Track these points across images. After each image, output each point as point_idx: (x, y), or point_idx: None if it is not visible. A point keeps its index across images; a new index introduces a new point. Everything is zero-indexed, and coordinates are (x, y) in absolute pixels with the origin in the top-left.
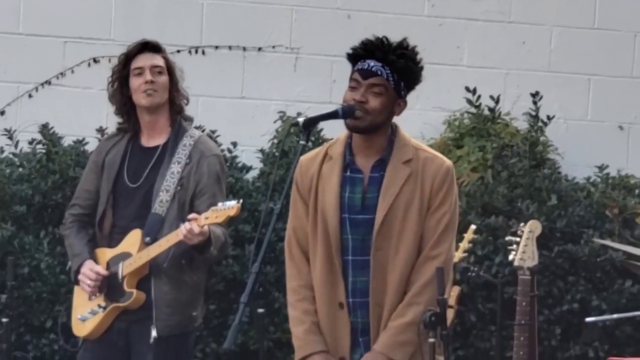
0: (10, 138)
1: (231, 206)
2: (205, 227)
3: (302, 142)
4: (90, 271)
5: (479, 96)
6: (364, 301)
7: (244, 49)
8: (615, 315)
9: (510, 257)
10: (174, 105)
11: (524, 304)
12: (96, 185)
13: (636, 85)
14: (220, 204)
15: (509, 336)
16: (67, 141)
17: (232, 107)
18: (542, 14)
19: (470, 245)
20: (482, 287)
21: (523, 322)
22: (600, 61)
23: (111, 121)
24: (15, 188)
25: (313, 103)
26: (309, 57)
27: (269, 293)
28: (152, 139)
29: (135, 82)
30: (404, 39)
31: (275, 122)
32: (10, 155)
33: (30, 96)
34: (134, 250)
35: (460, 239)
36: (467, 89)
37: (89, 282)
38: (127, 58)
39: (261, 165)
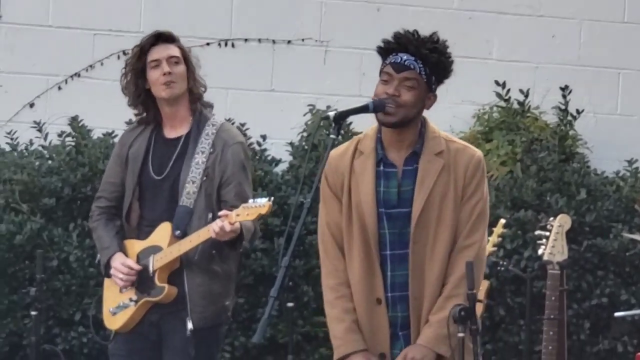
0: (40, 130)
1: (263, 204)
2: (237, 224)
3: (332, 136)
4: (122, 265)
5: (509, 90)
6: (402, 295)
7: (274, 41)
8: None
9: (540, 251)
10: (193, 93)
11: (553, 298)
12: (121, 178)
13: None
14: (251, 201)
15: (538, 330)
16: (96, 134)
17: (262, 100)
18: (571, 7)
19: (500, 239)
20: (511, 281)
21: (552, 316)
22: (629, 55)
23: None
24: (44, 181)
25: (342, 96)
26: (338, 50)
27: (297, 287)
28: (174, 129)
29: (153, 75)
30: (434, 33)
31: (304, 115)
32: (40, 148)
33: (59, 88)
34: (164, 243)
35: (489, 233)
36: (497, 82)
37: (121, 275)
38: (142, 50)
39: (290, 158)
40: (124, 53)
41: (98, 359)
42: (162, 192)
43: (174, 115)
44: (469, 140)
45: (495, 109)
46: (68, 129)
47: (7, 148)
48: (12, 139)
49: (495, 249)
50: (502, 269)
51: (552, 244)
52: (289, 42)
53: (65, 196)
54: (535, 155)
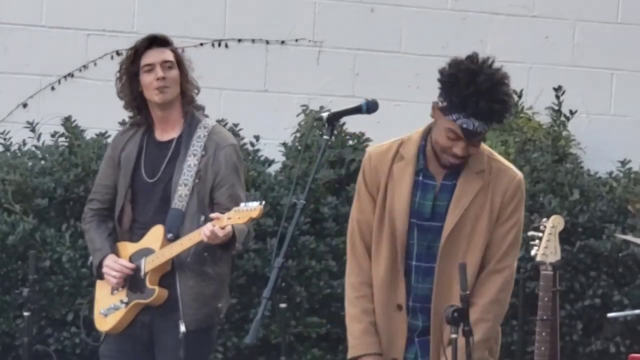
0: (33, 131)
1: (254, 207)
2: (228, 227)
3: (325, 137)
4: (114, 263)
5: None
6: (425, 306)
7: (267, 42)
8: (637, 311)
9: (533, 252)
10: (186, 97)
11: (546, 299)
12: (113, 180)
13: None
14: (242, 204)
15: (531, 331)
16: (89, 134)
17: (255, 100)
18: (565, 8)
19: None
20: None
21: (545, 317)
22: (623, 55)
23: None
24: (37, 181)
25: (336, 96)
26: (331, 51)
27: (290, 287)
28: (166, 132)
29: (146, 79)
30: (504, 86)
31: (297, 115)
32: (33, 148)
33: (53, 89)
34: (156, 246)
35: None
36: None
37: (114, 273)
38: (136, 54)
39: (284, 158)
40: (118, 53)
41: (90, 359)
42: (154, 194)
43: (166, 119)
44: None
45: None
46: (61, 129)
47: (0, 148)
48: (5, 139)
49: None
50: None
51: (545, 245)
52: (282, 42)
53: (58, 197)
54: (528, 155)
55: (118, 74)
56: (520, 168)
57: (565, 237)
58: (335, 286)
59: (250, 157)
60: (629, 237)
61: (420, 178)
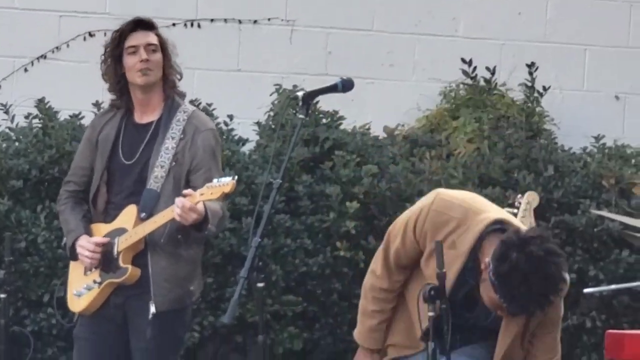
0: (7, 112)
1: (226, 182)
2: (200, 205)
3: (301, 116)
4: (87, 243)
5: (475, 67)
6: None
7: (240, 21)
8: (613, 286)
9: None
10: (168, 81)
11: None
12: (90, 162)
13: (632, 55)
14: (215, 180)
15: None
16: (63, 115)
17: (228, 80)
18: None
19: None
20: None
21: None
22: (596, 31)
23: (107, 95)
24: (11, 163)
25: (309, 75)
26: (304, 30)
27: (266, 266)
28: (146, 115)
29: (129, 61)
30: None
31: (271, 94)
32: (7, 130)
33: (25, 70)
34: (129, 226)
35: None
36: (463, 60)
37: (87, 253)
38: (121, 36)
39: (257, 137)
40: (90, 35)
41: (67, 341)
42: (130, 176)
43: (147, 102)
44: (436, 117)
45: (461, 86)
46: (35, 111)
47: None
48: None
49: None
50: None
51: (521, 221)
52: (255, 21)
53: (32, 178)
54: (502, 132)
55: (103, 57)
56: (494, 144)
57: (540, 212)
58: (310, 264)
59: (224, 137)
60: (604, 213)
61: (466, 278)
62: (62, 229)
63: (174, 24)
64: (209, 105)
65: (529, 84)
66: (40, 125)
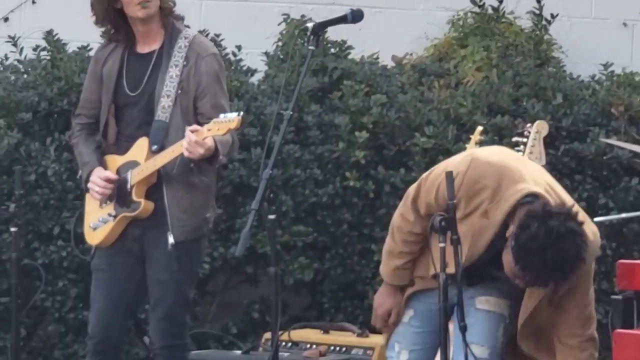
0: (15, 45)
1: (232, 119)
2: (209, 139)
3: (311, 47)
4: (98, 178)
5: None
6: None
7: None
8: (623, 215)
9: None
10: (164, 8)
11: None
12: (98, 94)
13: None
14: (222, 115)
15: None
16: (71, 47)
17: (236, 10)
18: None
19: (478, 146)
20: None
21: None
22: None
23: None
24: (20, 95)
25: (317, 5)
26: None
27: (276, 196)
28: (147, 45)
29: None
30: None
31: (279, 24)
32: (15, 62)
33: (33, 2)
34: (141, 159)
35: (467, 139)
36: None
37: (97, 188)
38: None
39: (266, 68)
40: None
41: (77, 272)
42: (137, 107)
43: (148, 33)
44: (444, 46)
45: (469, 14)
46: (43, 43)
47: None
48: None
49: None
50: None
51: (530, 150)
52: None
53: (41, 110)
54: (510, 60)
55: None
56: (503, 73)
57: (549, 141)
58: (320, 194)
59: (232, 67)
60: (613, 141)
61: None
62: (77, 161)
63: None
64: (217, 36)
65: (537, 11)
66: (48, 58)
